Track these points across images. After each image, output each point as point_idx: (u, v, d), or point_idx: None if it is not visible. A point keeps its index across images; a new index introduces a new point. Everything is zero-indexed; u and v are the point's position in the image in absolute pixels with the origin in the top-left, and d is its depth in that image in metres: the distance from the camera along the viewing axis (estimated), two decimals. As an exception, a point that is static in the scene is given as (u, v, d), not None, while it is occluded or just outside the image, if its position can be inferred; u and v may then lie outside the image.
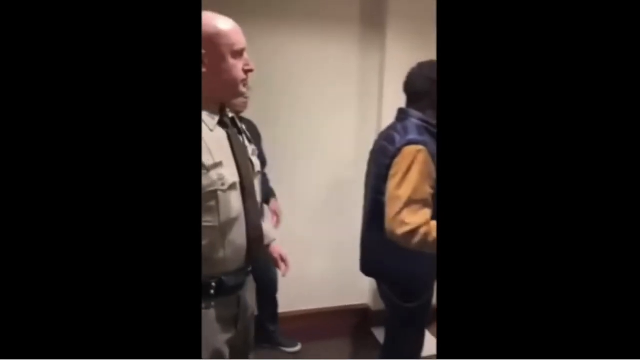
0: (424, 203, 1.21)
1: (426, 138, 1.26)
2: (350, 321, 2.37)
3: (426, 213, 1.20)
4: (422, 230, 1.17)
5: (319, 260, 2.31)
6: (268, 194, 1.96)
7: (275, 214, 1.95)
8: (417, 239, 1.17)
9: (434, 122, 1.32)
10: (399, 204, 1.19)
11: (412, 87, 1.38)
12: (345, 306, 2.41)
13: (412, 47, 2.09)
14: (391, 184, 1.25)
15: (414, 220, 1.18)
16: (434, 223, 1.20)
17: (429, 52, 1.81)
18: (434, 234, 1.18)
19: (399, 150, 1.25)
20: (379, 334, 2.25)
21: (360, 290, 2.39)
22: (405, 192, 1.20)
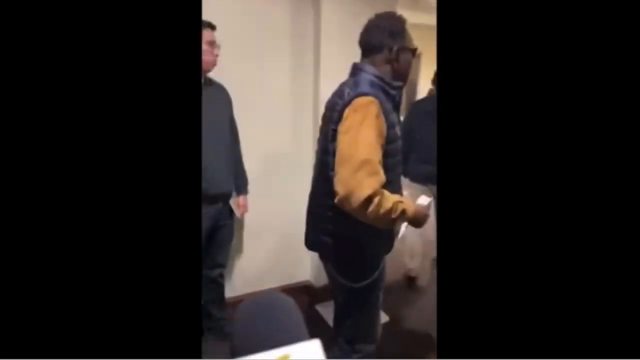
0: (378, 164, 1.07)
1: (378, 92, 1.14)
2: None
3: (382, 176, 1.07)
4: (377, 200, 1.04)
5: (259, 240, 2.17)
6: (240, 185, 1.81)
7: (243, 207, 1.84)
8: (371, 207, 1.04)
9: (388, 79, 1.20)
10: (354, 165, 1.04)
11: (367, 39, 1.24)
12: (288, 284, 2.32)
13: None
14: (343, 141, 1.09)
15: (370, 184, 1.03)
16: (387, 194, 1.09)
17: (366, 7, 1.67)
18: (386, 204, 1.06)
19: (348, 102, 1.11)
20: (323, 311, 2.21)
21: (303, 266, 2.29)
22: (359, 150, 1.05)
